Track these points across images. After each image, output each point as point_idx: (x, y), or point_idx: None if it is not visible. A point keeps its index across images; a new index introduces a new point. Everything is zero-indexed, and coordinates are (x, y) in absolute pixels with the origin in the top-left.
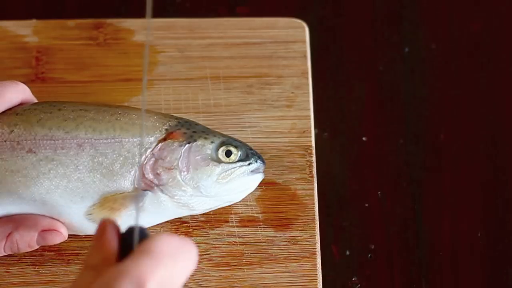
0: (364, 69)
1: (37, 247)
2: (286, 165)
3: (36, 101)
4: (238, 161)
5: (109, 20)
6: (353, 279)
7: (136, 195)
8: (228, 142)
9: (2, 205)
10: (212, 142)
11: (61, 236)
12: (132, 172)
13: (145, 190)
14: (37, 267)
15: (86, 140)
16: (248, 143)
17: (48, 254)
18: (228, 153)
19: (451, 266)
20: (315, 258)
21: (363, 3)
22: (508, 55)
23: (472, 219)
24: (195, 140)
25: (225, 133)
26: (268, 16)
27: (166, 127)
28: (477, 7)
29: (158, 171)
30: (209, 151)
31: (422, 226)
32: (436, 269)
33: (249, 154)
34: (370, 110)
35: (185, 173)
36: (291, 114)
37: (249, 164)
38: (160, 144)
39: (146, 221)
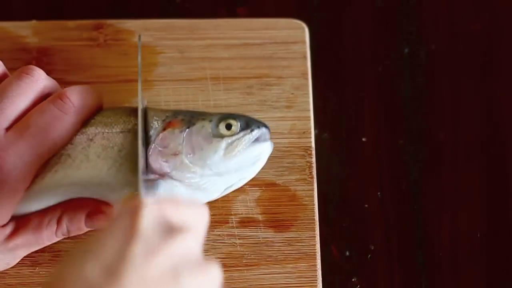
0: (364, 69)
1: (86, 230)
2: (286, 165)
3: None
4: (240, 131)
5: (109, 21)
6: (353, 279)
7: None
8: (226, 116)
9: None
10: (210, 121)
11: (107, 217)
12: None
13: (157, 179)
14: (36, 268)
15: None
16: None
17: (46, 255)
18: (229, 126)
19: (451, 266)
20: (315, 259)
21: (363, 3)
22: (508, 55)
23: (472, 219)
24: (193, 124)
25: None
26: (268, 17)
27: (163, 118)
28: (477, 7)
29: (164, 159)
30: (209, 130)
31: (422, 226)
32: (436, 269)
33: (249, 123)
34: (370, 110)
35: (191, 155)
36: (291, 115)
37: (251, 131)
38: (160, 135)
39: None
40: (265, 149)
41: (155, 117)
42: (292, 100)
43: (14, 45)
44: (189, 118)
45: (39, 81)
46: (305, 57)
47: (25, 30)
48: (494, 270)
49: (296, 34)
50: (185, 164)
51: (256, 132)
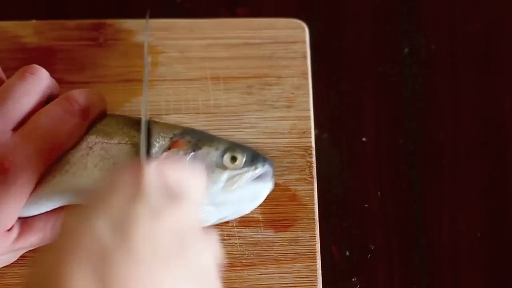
0: (364, 69)
1: None
2: (286, 165)
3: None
4: (244, 166)
5: (109, 21)
6: (353, 279)
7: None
8: (232, 147)
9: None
10: (216, 149)
11: None
12: None
13: None
14: None
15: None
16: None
17: None
18: (233, 159)
19: (451, 266)
20: (315, 259)
21: (363, 3)
22: (508, 55)
23: (472, 219)
24: (199, 148)
25: (225, 134)
26: (268, 17)
27: (170, 136)
28: (477, 8)
29: None
30: (214, 158)
31: (422, 226)
32: (436, 269)
33: (255, 159)
34: (370, 110)
35: None
36: (291, 115)
37: (255, 168)
38: (165, 153)
39: None
40: (265, 189)
41: (161, 134)
42: (292, 100)
43: (14, 45)
44: (195, 142)
45: (43, 80)
46: (305, 57)
47: (25, 30)
48: (494, 270)
49: (296, 34)
50: None
51: (259, 170)
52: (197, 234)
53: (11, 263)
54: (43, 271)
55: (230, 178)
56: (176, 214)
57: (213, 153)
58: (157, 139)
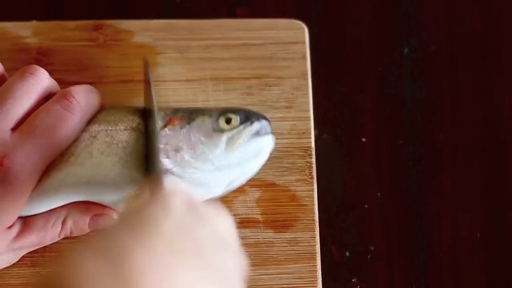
0: (364, 69)
1: (88, 231)
2: (286, 166)
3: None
4: (240, 124)
5: (109, 21)
6: (353, 280)
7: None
8: (225, 110)
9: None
10: (210, 116)
11: (111, 219)
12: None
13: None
14: (37, 268)
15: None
16: None
17: (48, 255)
18: (228, 120)
19: (451, 266)
20: (315, 259)
21: (363, 3)
22: (508, 55)
23: (472, 219)
24: (193, 119)
25: None
26: (267, 17)
27: (162, 116)
28: (477, 7)
29: (166, 156)
30: (209, 125)
31: (422, 227)
32: (436, 269)
33: (249, 116)
34: (370, 110)
35: (192, 150)
36: (290, 115)
37: (251, 123)
38: (161, 132)
39: None
40: (266, 142)
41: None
42: (292, 101)
43: (14, 45)
44: (188, 114)
45: (43, 80)
46: (304, 58)
47: (25, 30)
48: (494, 270)
49: (296, 34)
50: (186, 160)
51: (256, 124)
52: (222, 240)
53: (13, 263)
54: (60, 268)
55: (229, 139)
56: (202, 229)
57: (207, 120)
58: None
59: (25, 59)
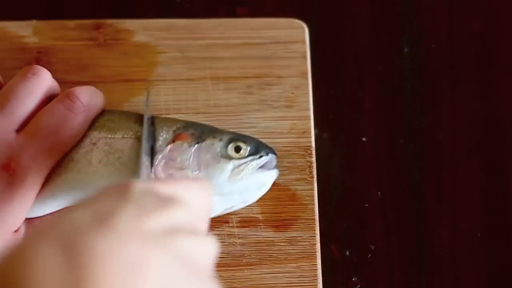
0: (364, 69)
1: None
2: (286, 165)
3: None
4: (248, 155)
5: (109, 21)
6: (353, 279)
7: None
8: (236, 138)
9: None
10: (220, 140)
11: None
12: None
13: None
14: None
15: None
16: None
17: None
18: (238, 149)
19: (451, 266)
20: (315, 259)
21: (363, 3)
22: (508, 55)
23: (472, 219)
24: (203, 140)
25: None
26: (268, 17)
27: (173, 129)
28: (477, 7)
29: (170, 172)
30: (218, 149)
31: (422, 226)
32: (436, 269)
33: (259, 148)
34: (370, 110)
35: (197, 172)
36: (291, 115)
37: (260, 157)
38: (169, 146)
39: None
40: (271, 177)
41: (164, 127)
42: (292, 100)
43: (14, 45)
44: (199, 134)
45: (45, 81)
46: (305, 57)
47: (25, 30)
48: (494, 270)
49: (296, 33)
50: None
51: (264, 159)
52: (189, 234)
53: None
54: (11, 255)
55: (235, 167)
56: (164, 214)
57: (217, 144)
58: (161, 133)
59: (25, 58)
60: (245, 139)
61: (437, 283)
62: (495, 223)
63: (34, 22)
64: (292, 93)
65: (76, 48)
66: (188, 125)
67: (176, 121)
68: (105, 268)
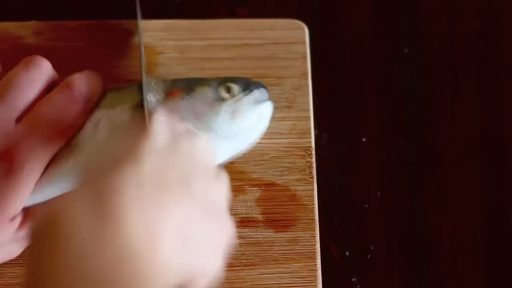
0: (364, 69)
1: None
2: (286, 166)
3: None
4: (240, 93)
5: (109, 21)
6: (353, 279)
7: None
8: (224, 80)
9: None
10: (209, 86)
11: None
12: None
13: None
14: None
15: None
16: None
17: None
18: (228, 89)
19: (451, 266)
20: (315, 259)
21: (363, 3)
22: (508, 55)
23: (472, 219)
24: (193, 90)
25: None
26: (268, 17)
27: (162, 88)
28: (477, 7)
29: None
30: (210, 94)
31: (422, 226)
32: (436, 269)
33: (248, 84)
34: (370, 110)
35: (195, 120)
36: (291, 115)
37: (251, 91)
38: (163, 104)
39: None
40: (266, 109)
41: (154, 91)
42: (292, 100)
43: (14, 45)
44: (188, 86)
45: (46, 71)
46: (305, 57)
47: (25, 30)
48: (494, 270)
49: (296, 34)
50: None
51: (255, 93)
52: (204, 170)
53: (11, 263)
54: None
55: (230, 107)
56: (182, 150)
57: (207, 90)
58: (152, 97)
59: None
60: (233, 79)
61: (437, 283)
62: (495, 223)
63: (34, 22)
64: (292, 93)
65: (76, 48)
66: (176, 81)
67: (163, 81)
68: (125, 196)
